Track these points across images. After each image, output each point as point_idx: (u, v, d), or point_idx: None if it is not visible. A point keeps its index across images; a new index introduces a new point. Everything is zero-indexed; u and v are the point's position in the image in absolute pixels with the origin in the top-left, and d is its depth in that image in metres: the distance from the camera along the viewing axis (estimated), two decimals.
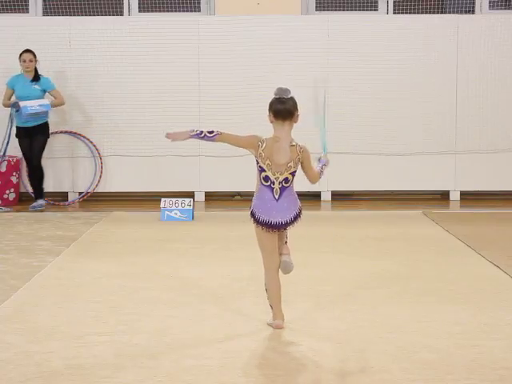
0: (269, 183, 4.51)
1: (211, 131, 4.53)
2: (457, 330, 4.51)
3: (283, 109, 4.46)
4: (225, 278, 5.84)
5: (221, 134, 4.53)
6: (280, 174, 4.50)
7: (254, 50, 10.00)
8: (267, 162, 4.49)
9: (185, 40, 10.03)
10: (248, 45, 9.98)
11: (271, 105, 4.52)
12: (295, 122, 4.54)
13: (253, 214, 4.54)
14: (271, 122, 4.54)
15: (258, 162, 4.53)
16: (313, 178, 4.64)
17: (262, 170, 4.51)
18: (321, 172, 4.67)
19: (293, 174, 4.53)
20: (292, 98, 4.51)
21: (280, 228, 4.54)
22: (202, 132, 4.52)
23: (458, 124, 10.15)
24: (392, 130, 10.14)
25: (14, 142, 9.56)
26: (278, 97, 4.50)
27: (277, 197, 4.51)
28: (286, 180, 4.52)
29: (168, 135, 4.58)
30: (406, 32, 10.05)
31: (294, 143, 4.53)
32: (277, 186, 4.51)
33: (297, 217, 4.55)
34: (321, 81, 4.85)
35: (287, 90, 4.50)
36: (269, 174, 4.50)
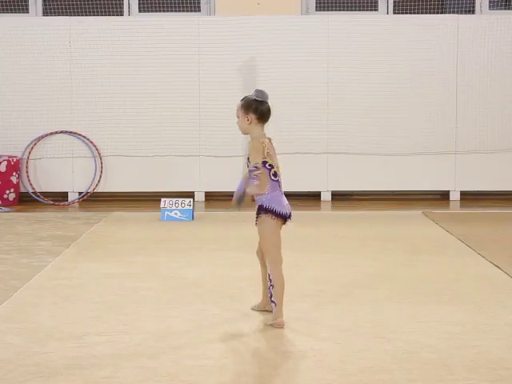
0: (277, 178, 4.59)
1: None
2: (457, 330, 4.51)
3: (269, 113, 4.55)
4: (225, 277, 5.84)
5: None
6: (278, 168, 4.61)
7: (253, 50, 9.99)
8: (271, 158, 4.57)
9: (185, 40, 10.04)
10: (248, 45, 9.98)
11: (256, 107, 4.51)
12: None
13: (271, 209, 4.54)
14: (250, 123, 4.53)
15: (265, 163, 4.51)
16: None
17: (271, 167, 4.55)
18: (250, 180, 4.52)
19: None
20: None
21: (288, 219, 4.61)
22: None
23: (458, 124, 10.16)
24: (392, 130, 10.15)
25: (12, 141, 9.54)
26: (260, 100, 4.52)
27: (282, 190, 4.62)
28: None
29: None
30: (406, 32, 10.05)
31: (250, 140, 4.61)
32: (281, 180, 4.62)
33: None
34: None
35: (267, 94, 4.55)
36: (276, 169, 4.58)
